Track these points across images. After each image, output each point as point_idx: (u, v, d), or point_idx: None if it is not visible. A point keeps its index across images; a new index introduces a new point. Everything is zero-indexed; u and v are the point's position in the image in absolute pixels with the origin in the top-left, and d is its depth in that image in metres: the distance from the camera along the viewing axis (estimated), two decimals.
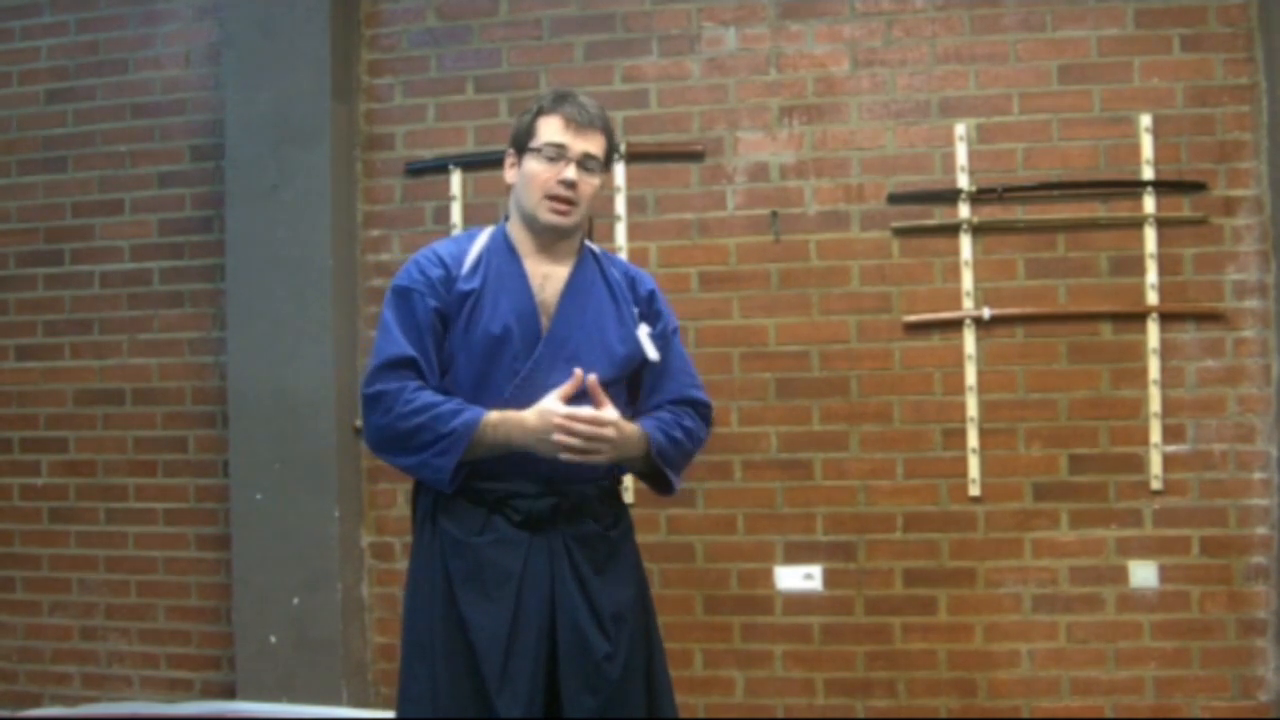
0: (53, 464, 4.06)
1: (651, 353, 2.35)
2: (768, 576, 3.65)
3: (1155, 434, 3.47)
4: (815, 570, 3.63)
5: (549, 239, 2.33)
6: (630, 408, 2.39)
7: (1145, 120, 3.49)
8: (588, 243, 2.42)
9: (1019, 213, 3.57)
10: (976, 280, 3.57)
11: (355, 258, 3.87)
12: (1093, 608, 3.50)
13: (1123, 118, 3.52)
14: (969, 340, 3.56)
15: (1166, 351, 3.48)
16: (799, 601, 3.63)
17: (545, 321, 2.29)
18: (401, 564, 3.83)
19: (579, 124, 2.28)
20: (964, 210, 3.57)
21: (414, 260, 2.33)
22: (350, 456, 3.79)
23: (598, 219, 3.66)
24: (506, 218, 2.39)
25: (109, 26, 4.06)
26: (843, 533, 3.62)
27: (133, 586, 3.99)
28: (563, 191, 2.26)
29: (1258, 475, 3.45)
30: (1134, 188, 3.50)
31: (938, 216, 3.60)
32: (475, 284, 2.28)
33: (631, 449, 2.26)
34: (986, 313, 3.54)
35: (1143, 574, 3.48)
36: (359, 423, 3.81)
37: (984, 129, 3.59)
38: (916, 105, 3.63)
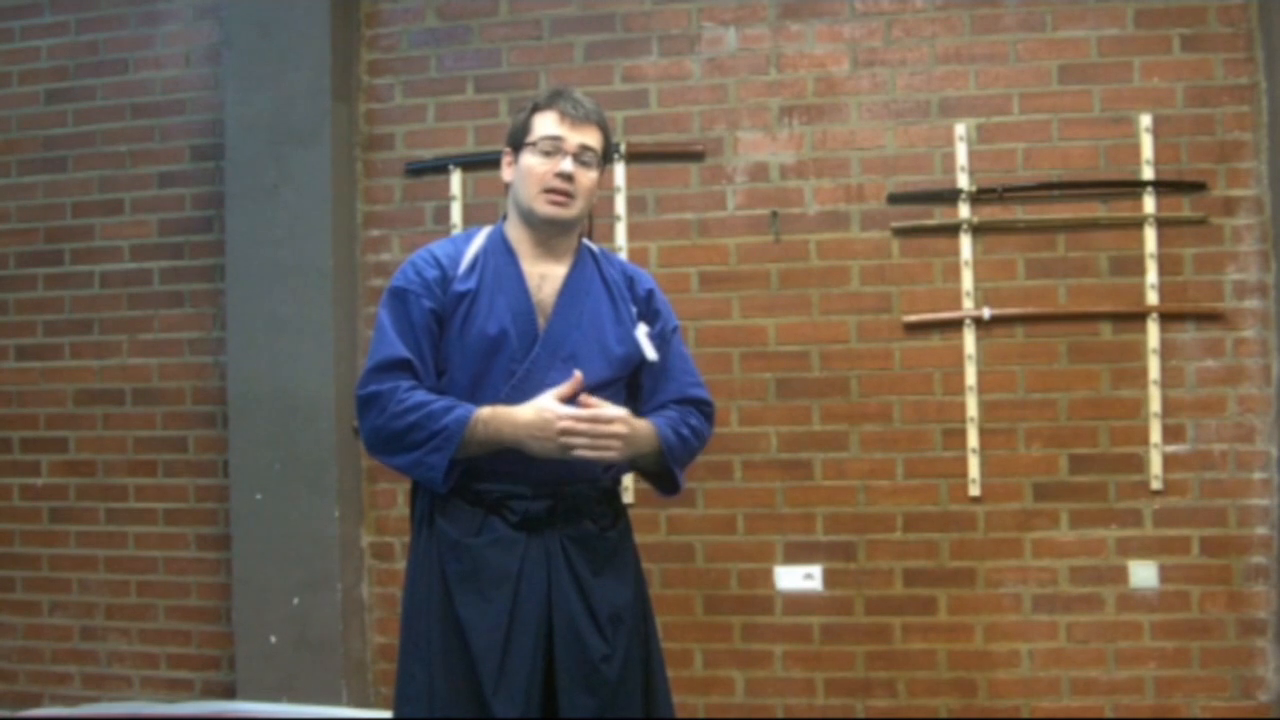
0: (53, 464, 4.06)
1: (649, 353, 2.35)
2: (768, 576, 3.65)
3: (1155, 434, 3.47)
4: (815, 570, 3.63)
5: (547, 234, 2.32)
6: (629, 408, 2.39)
7: (1145, 120, 3.49)
8: (586, 242, 2.42)
9: (1019, 213, 3.57)
10: (976, 280, 3.57)
11: (355, 258, 3.88)
12: (1093, 608, 3.50)
13: (1123, 118, 3.52)
14: (969, 340, 3.56)
15: (1166, 351, 3.48)
16: (799, 601, 3.63)
17: (542, 321, 2.28)
18: (401, 564, 3.81)
19: (575, 118, 2.29)
20: (964, 210, 3.57)
21: (410, 262, 2.33)
22: (350, 456, 3.79)
23: (598, 219, 3.66)
24: (504, 218, 2.39)
25: (109, 26, 4.06)
26: (843, 533, 3.62)
27: (133, 586, 3.99)
28: (560, 184, 2.26)
29: (1258, 475, 3.45)
30: (1134, 188, 3.50)
31: (938, 216, 3.60)
32: (471, 284, 2.28)
33: (644, 445, 2.25)
34: (986, 313, 3.54)
35: (1143, 574, 3.49)
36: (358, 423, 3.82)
37: (984, 129, 3.59)
38: (916, 105, 3.63)
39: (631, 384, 2.40)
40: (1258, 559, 3.44)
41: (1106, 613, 3.50)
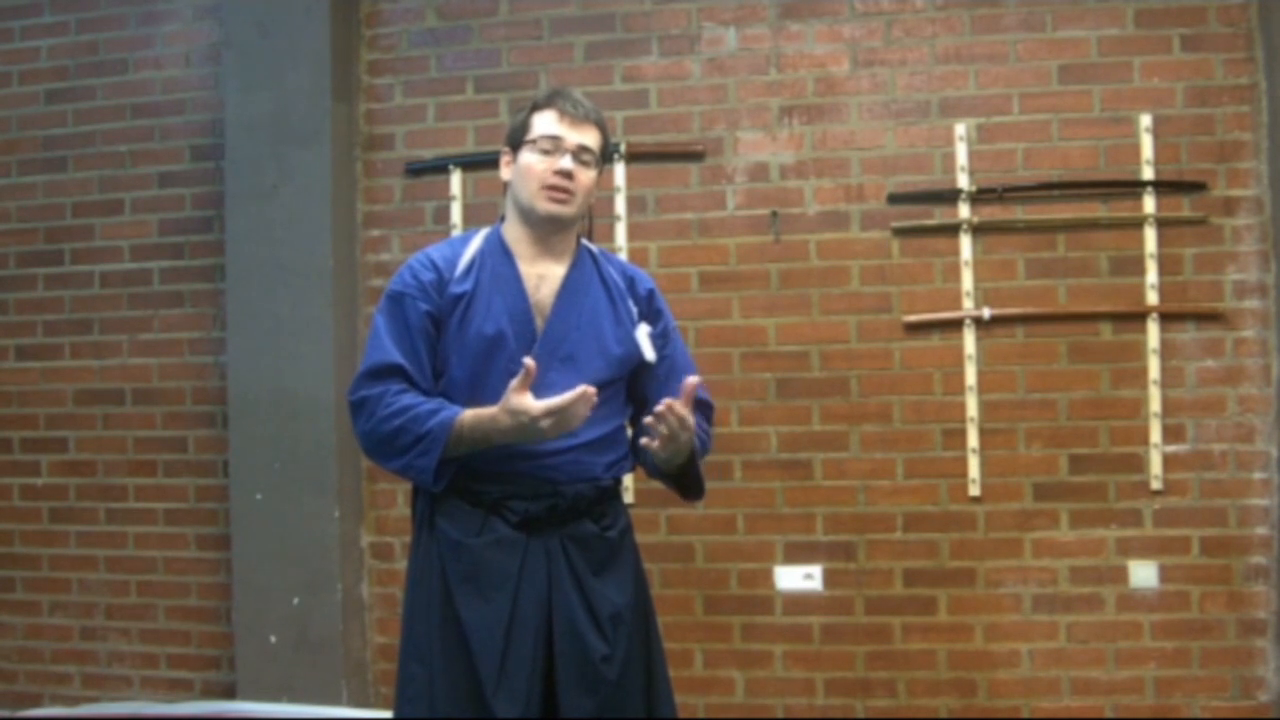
0: (53, 464, 4.06)
1: (648, 353, 2.35)
2: (768, 576, 3.65)
3: (1155, 434, 3.47)
4: (815, 570, 3.63)
5: (546, 232, 2.32)
6: (628, 407, 2.39)
7: (1145, 120, 3.49)
8: (585, 242, 2.42)
9: (1019, 213, 3.57)
10: (976, 280, 3.57)
11: (355, 258, 3.88)
12: (1093, 608, 3.50)
13: (1123, 118, 3.52)
14: (969, 340, 3.56)
15: (1166, 351, 3.48)
16: (799, 601, 3.63)
17: (540, 322, 2.28)
18: (401, 564, 3.82)
19: (574, 117, 2.30)
20: (964, 210, 3.57)
21: (406, 265, 2.34)
22: (350, 456, 3.79)
23: (598, 219, 3.65)
24: (502, 220, 2.39)
25: (109, 26, 4.06)
26: (843, 533, 3.62)
27: (133, 586, 3.99)
28: (559, 180, 2.26)
29: (1258, 475, 3.45)
30: (1134, 188, 3.50)
31: (938, 216, 3.60)
32: (468, 286, 2.28)
33: (684, 449, 2.25)
34: (986, 313, 3.54)
35: (1143, 574, 3.48)
36: None
37: (984, 129, 3.59)
38: (916, 105, 3.63)
39: (631, 384, 2.39)
40: (1258, 559, 3.44)
41: (1106, 613, 3.50)
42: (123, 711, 3.73)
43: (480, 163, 3.78)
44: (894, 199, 3.62)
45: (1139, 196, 3.51)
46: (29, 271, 4.10)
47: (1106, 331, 3.52)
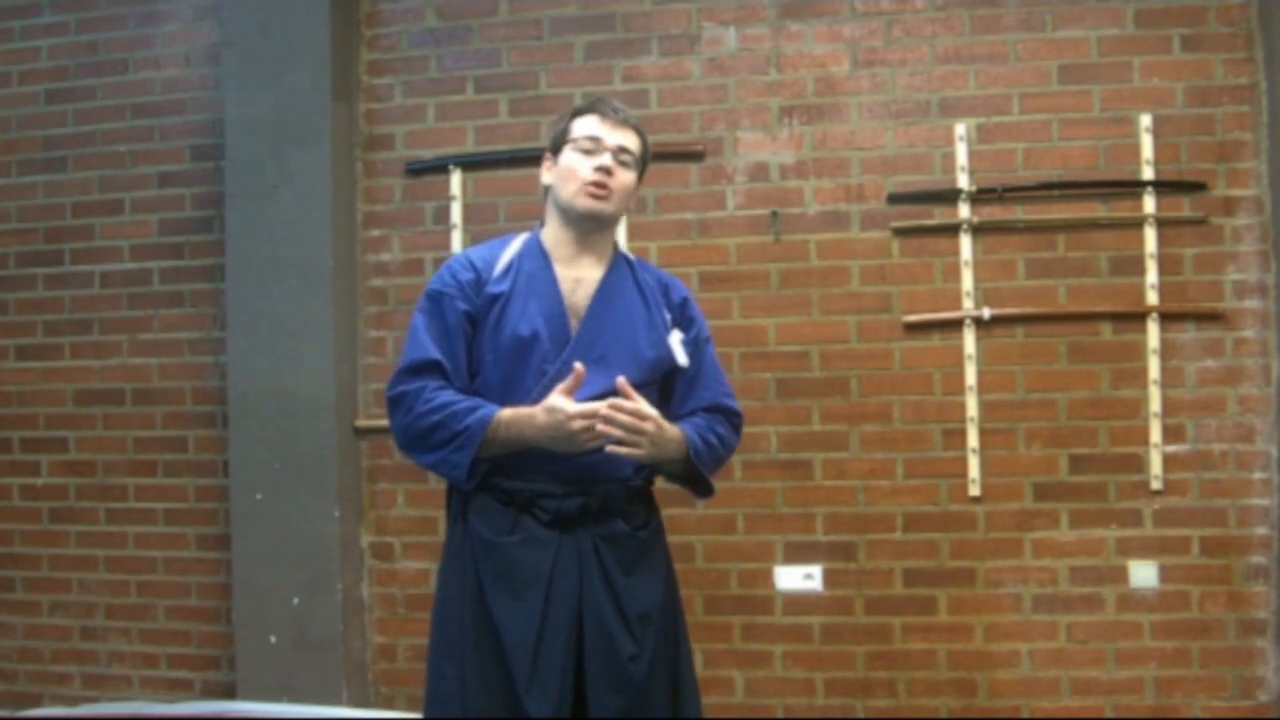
0: (53, 464, 4.06)
1: (681, 358, 2.39)
2: (768, 576, 3.65)
3: (1155, 434, 3.47)
4: (815, 570, 3.63)
5: (585, 232, 2.35)
6: (661, 412, 2.40)
7: (1145, 120, 3.49)
8: (621, 249, 2.47)
9: (1019, 213, 3.57)
10: (976, 280, 3.57)
11: (355, 258, 3.87)
12: (1093, 608, 3.50)
13: (1123, 118, 3.52)
14: (969, 340, 3.56)
15: (1166, 351, 3.48)
16: (799, 601, 3.63)
17: (575, 324, 2.32)
18: (401, 564, 3.84)
19: (614, 120, 2.35)
20: (964, 210, 3.57)
21: (446, 265, 2.39)
22: (350, 456, 3.79)
23: None
24: (540, 225, 2.43)
25: (109, 26, 4.06)
26: (843, 533, 3.62)
27: (133, 586, 3.99)
28: (599, 177, 2.30)
29: (1258, 475, 3.45)
30: (1134, 188, 3.50)
31: (938, 216, 3.60)
32: (505, 287, 2.32)
33: (671, 450, 2.29)
34: (986, 313, 3.54)
35: (1143, 574, 3.49)
36: (359, 423, 3.82)
37: (984, 129, 3.59)
38: (916, 105, 3.63)
39: (664, 390, 2.43)
40: (1258, 559, 3.44)
41: (1106, 613, 3.50)
42: (123, 711, 3.74)
43: (480, 163, 3.79)
44: (894, 199, 3.62)
45: (1139, 196, 3.51)
46: (29, 271, 4.09)
47: (1106, 331, 3.52)
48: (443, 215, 3.84)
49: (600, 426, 2.16)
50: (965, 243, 3.57)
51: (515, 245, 2.40)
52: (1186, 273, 3.49)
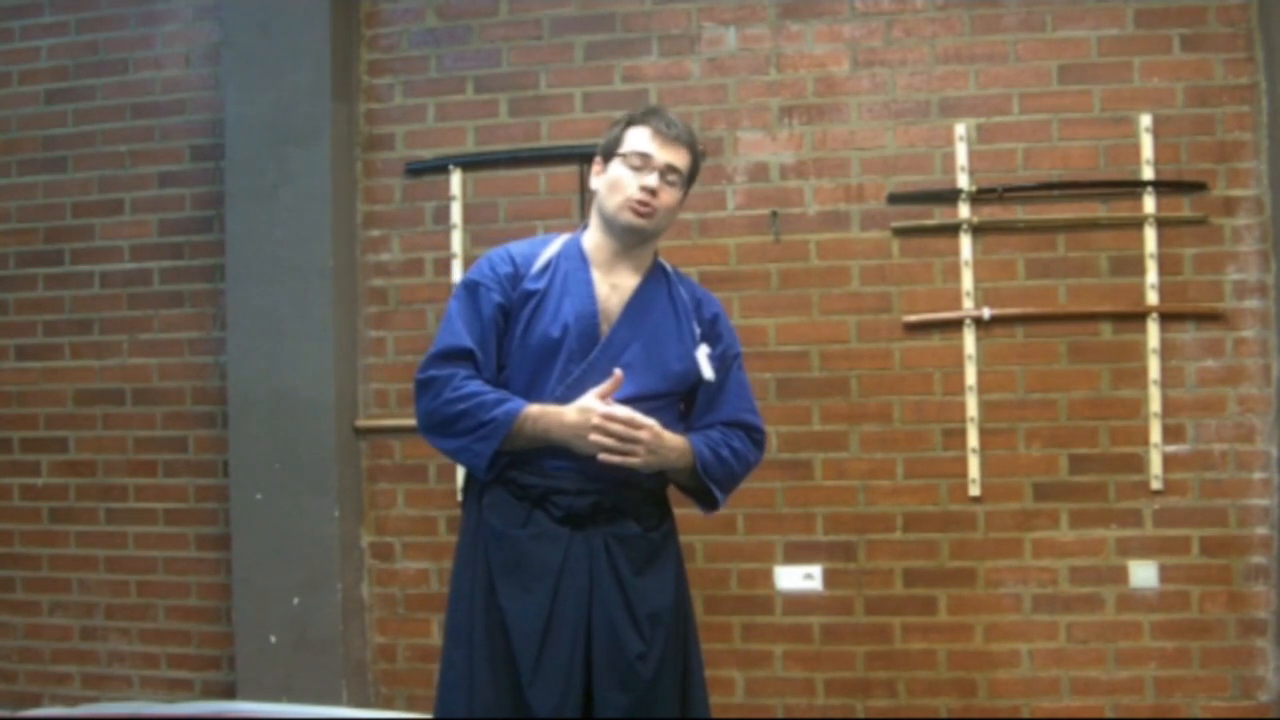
0: (53, 464, 4.06)
1: (707, 372, 2.40)
2: (768, 576, 3.65)
3: (1155, 434, 3.47)
4: (815, 570, 3.63)
5: (624, 243, 2.37)
6: (680, 424, 2.42)
7: (1145, 120, 3.49)
8: (661, 261, 2.48)
9: (1019, 213, 3.57)
10: (976, 280, 3.57)
11: (355, 258, 3.87)
12: (1093, 608, 3.50)
13: (1123, 118, 3.52)
14: (969, 340, 3.56)
15: (1166, 351, 3.48)
16: (799, 601, 3.63)
17: (605, 329, 2.34)
18: (401, 564, 3.84)
19: (666, 136, 2.35)
20: (964, 210, 3.57)
21: (486, 257, 2.41)
22: (350, 456, 3.79)
23: None
24: (584, 228, 2.45)
25: (109, 26, 4.06)
26: (843, 533, 3.62)
27: (133, 586, 3.99)
28: (644, 197, 2.31)
29: (1258, 475, 3.45)
30: (1134, 188, 3.50)
31: (938, 216, 3.60)
32: (541, 285, 2.34)
33: (673, 459, 2.30)
34: (986, 313, 3.54)
35: (1143, 574, 3.48)
36: (359, 423, 3.82)
37: (984, 129, 3.59)
38: (916, 105, 3.63)
39: (689, 403, 2.44)
40: (1258, 559, 3.44)
41: (1106, 613, 3.50)
42: (123, 711, 3.74)
43: (480, 163, 3.79)
44: (894, 199, 3.62)
45: (1139, 196, 3.51)
46: (29, 271, 4.09)
47: (1106, 331, 3.52)
48: (443, 215, 3.84)
49: (593, 436, 2.19)
50: (965, 243, 3.57)
51: (556, 245, 2.42)
52: (1186, 273, 3.49)
